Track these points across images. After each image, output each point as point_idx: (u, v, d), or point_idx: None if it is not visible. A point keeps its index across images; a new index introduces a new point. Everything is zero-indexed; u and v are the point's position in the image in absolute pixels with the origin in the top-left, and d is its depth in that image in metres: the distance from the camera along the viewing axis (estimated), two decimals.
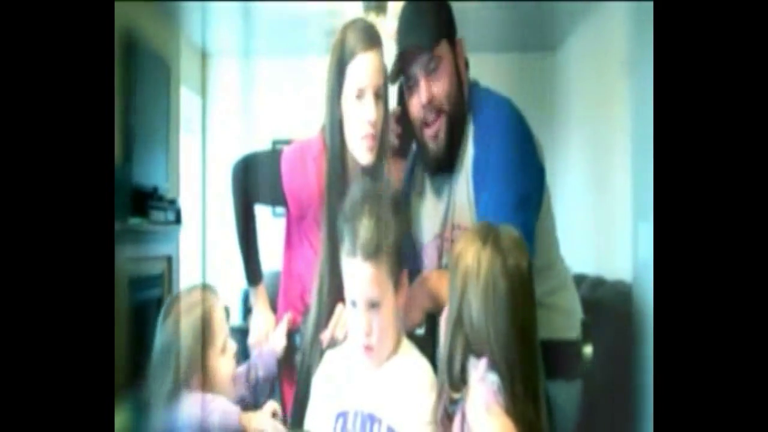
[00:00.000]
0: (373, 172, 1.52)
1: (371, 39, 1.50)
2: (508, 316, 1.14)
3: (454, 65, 1.53)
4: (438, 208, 1.58)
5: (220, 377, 1.41)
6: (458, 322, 1.17)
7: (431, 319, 1.46)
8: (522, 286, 1.17)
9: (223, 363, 1.42)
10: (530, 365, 1.16)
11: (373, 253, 1.25)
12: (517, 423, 1.11)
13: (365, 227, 1.26)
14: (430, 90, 1.50)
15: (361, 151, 1.51)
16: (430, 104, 1.51)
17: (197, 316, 1.39)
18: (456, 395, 1.16)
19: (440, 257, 1.56)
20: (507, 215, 1.36)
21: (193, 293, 1.43)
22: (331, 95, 1.52)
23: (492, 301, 1.14)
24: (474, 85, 1.59)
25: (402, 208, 1.42)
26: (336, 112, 1.51)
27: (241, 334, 1.61)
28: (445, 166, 1.55)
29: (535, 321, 1.19)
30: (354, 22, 1.56)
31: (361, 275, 1.27)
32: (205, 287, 1.45)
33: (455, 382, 1.16)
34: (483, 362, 1.14)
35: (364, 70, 1.48)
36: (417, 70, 1.51)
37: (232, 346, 1.46)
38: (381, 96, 1.50)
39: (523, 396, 1.13)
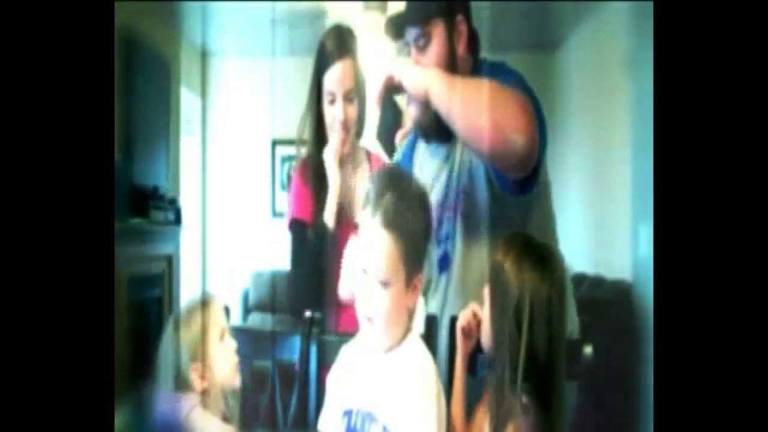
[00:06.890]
0: (344, 164, 1.80)
1: (344, 46, 1.77)
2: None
3: (447, 44, 1.51)
4: (440, 175, 1.58)
5: (220, 364, 1.42)
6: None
7: (431, 320, 1.46)
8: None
9: (222, 350, 1.44)
10: None
11: (392, 222, 1.23)
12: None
13: (389, 200, 1.24)
14: (418, 63, 1.50)
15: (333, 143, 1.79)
16: None
17: (197, 319, 1.41)
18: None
19: (440, 226, 1.56)
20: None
21: (192, 304, 1.47)
22: (310, 96, 1.82)
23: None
24: (483, 62, 1.59)
25: (426, 207, 1.35)
26: (314, 111, 1.81)
27: (241, 334, 1.60)
28: (439, 135, 1.54)
29: None
30: (331, 31, 1.81)
31: (376, 242, 1.24)
32: (204, 293, 1.51)
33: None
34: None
35: (335, 77, 1.75)
36: (409, 40, 1.52)
37: (232, 340, 1.47)
38: (351, 99, 1.77)
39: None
